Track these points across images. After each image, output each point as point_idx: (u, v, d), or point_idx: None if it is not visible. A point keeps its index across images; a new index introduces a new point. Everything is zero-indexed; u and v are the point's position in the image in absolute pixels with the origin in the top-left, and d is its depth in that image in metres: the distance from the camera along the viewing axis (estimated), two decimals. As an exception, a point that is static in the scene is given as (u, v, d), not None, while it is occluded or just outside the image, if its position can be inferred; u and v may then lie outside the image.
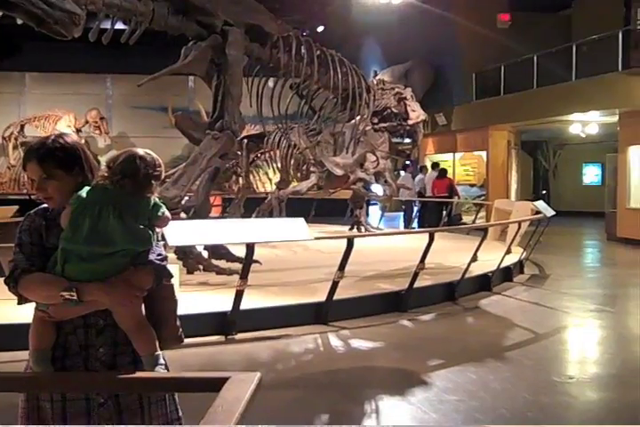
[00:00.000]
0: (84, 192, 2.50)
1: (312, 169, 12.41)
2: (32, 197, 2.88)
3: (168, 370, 2.60)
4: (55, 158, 2.53)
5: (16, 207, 10.81)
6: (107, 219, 2.47)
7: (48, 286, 2.46)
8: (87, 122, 23.23)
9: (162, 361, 2.57)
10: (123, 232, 2.48)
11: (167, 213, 2.66)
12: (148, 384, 2.40)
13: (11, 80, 24.95)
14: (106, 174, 2.56)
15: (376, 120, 13.13)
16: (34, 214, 2.63)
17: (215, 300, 7.75)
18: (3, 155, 23.93)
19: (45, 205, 2.65)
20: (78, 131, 22.55)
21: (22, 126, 23.58)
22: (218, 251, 9.51)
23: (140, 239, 2.53)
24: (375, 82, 13.67)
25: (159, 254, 2.62)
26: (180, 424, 2.66)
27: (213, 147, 9.16)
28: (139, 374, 2.46)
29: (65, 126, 22.31)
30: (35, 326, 2.51)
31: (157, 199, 2.63)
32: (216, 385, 2.15)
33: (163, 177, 2.67)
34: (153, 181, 2.59)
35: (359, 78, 12.14)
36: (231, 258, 9.48)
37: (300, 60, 10.82)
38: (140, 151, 2.61)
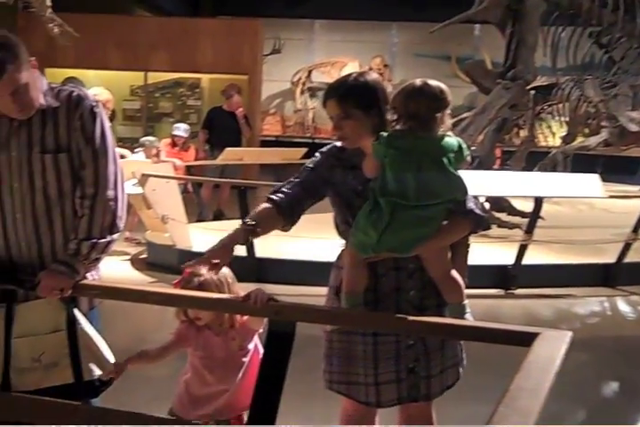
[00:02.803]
0: (386, 141, 2.38)
1: (603, 124, 11.66)
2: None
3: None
4: (354, 97, 2.47)
5: (305, 149, 11.25)
6: (428, 170, 2.36)
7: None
8: (371, 69, 23.66)
9: (468, 310, 2.54)
10: (445, 182, 2.39)
11: (468, 157, 2.51)
12: (458, 331, 2.41)
13: (300, 27, 26.04)
14: (395, 118, 2.44)
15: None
16: (327, 152, 2.63)
17: (495, 252, 7.60)
18: (291, 99, 25.23)
19: (337, 144, 2.62)
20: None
21: (310, 72, 24.63)
22: (500, 203, 9.31)
23: (459, 188, 2.43)
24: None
25: (475, 203, 2.55)
26: (463, 366, 2.74)
27: (504, 97, 8.95)
28: (450, 321, 2.48)
29: (349, 73, 22.98)
30: (348, 269, 2.51)
31: (460, 140, 2.47)
32: (524, 340, 2.09)
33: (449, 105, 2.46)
34: (437, 114, 2.40)
35: (670, 26, 11.12)
36: (513, 211, 9.24)
37: (603, 6, 10.13)
38: (417, 83, 2.43)
